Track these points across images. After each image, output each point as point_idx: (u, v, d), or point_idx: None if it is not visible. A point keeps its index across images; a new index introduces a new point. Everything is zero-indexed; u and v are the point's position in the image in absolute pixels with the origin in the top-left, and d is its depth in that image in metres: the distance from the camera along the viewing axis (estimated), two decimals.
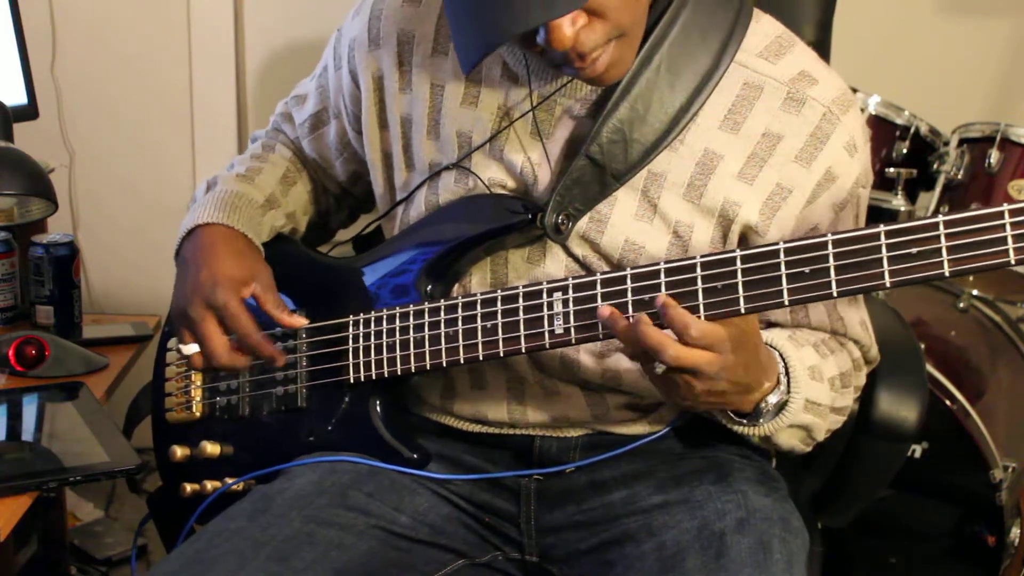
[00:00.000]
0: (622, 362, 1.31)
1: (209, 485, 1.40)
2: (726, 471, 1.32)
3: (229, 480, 1.39)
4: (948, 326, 2.24)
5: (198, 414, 1.43)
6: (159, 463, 1.46)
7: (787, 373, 1.22)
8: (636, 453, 1.34)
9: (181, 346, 1.33)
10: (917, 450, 1.96)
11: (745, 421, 1.23)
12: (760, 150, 1.26)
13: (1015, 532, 1.97)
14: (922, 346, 1.68)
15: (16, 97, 1.90)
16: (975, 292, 2.27)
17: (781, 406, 1.22)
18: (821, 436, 1.29)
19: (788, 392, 1.22)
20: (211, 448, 1.41)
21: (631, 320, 1.13)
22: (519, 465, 1.36)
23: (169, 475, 1.46)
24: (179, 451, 1.42)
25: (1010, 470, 1.97)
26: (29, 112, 1.94)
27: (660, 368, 1.13)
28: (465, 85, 1.32)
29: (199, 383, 1.44)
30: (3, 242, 1.86)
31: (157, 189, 2.72)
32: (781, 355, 1.23)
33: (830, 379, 1.28)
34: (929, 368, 1.90)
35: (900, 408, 1.49)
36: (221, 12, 2.69)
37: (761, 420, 1.22)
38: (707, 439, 1.36)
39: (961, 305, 2.23)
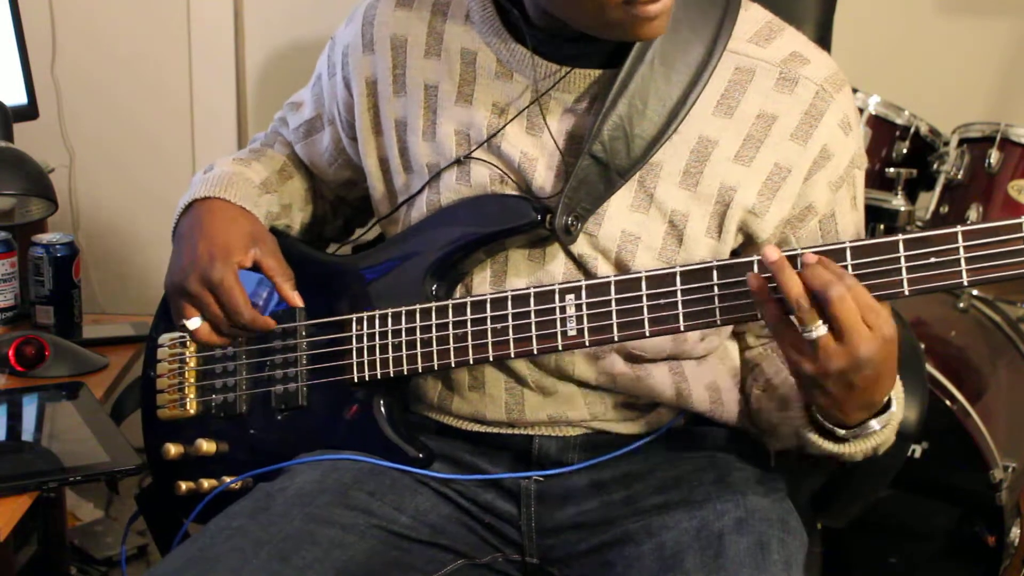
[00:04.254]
0: (617, 364, 1.31)
1: (206, 483, 1.40)
2: (725, 471, 1.32)
3: (227, 479, 1.39)
4: (948, 326, 2.24)
5: (192, 411, 1.43)
6: (150, 461, 1.46)
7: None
8: (635, 453, 1.34)
9: (184, 321, 1.32)
10: (917, 450, 1.96)
11: (841, 433, 1.19)
12: (756, 132, 1.26)
13: (1015, 532, 1.97)
14: (922, 346, 1.68)
15: (16, 97, 1.91)
16: (975, 292, 2.27)
17: (884, 423, 1.19)
18: (882, 451, 1.24)
19: (889, 415, 1.19)
20: (207, 446, 1.40)
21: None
22: (518, 464, 1.36)
23: (161, 473, 1.45)
24: (172, 449, 1.42)
25: (1010, 470, 1.97)
26: (29, 112, 1.94)
27: (818, 332, 1.08)
28: (459, 84, 1.33)
29: (193, 380, 1.44)
30: (3, 242, 1.86)
31: (157, 189, 2.71)
32: None
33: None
34: (929, 368, 1.90)
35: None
36: (221, 12, 2.69)
37: (860, 437, 1.19)
38: (707, 439, 1.36)
39: (961, 305, 2.23)
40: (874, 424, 1.18)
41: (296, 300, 1.35)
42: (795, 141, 1.26)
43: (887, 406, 1.18)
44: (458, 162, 1.32)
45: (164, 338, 1.47)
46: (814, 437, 1.21)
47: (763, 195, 1.26)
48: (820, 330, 1.09)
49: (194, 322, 1.32)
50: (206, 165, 1.47)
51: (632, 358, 1.31)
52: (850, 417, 1.16)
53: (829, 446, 1.21)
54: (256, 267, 1.34)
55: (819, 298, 1.08)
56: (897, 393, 1.19)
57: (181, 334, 1.45)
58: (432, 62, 1.34)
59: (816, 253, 1.11)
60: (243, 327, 1.32)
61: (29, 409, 1.58)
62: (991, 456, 1.94)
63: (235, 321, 1.31)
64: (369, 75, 1.38)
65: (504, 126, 1.30)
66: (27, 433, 1.54)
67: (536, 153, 1.30)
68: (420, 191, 1.35)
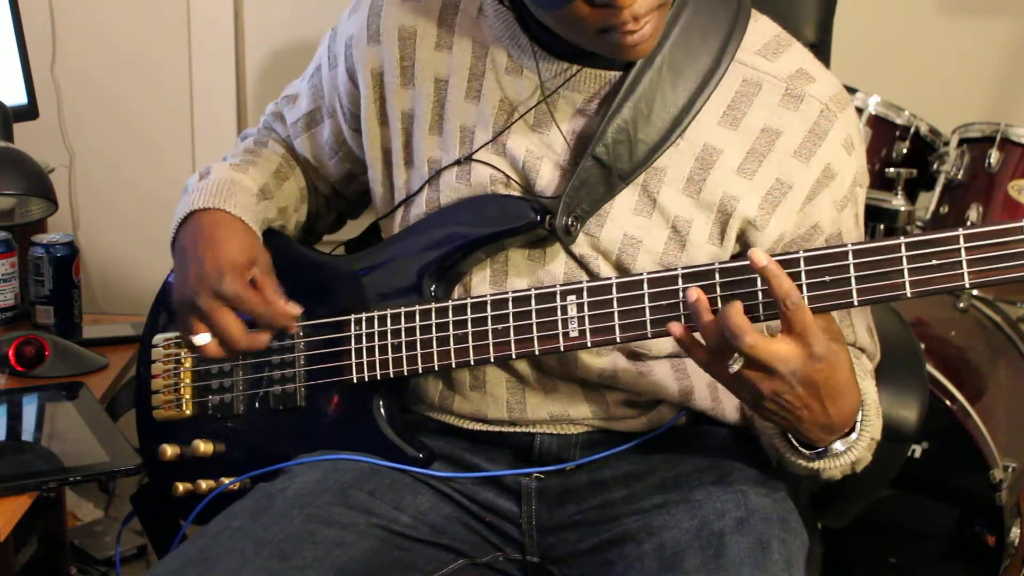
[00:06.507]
0: (619, 361, 1.31)
1: (204, 484, 1.39)
2: (726, 471, 1.32)
3: (226, 480, 1.39)
4: (948, 326, 2.24)
5: (188, 412, 1.43)
6: (146, 461, 1.44)
7: (861, 410, 1.21)
8: (636, 452, 1.35)
9: (192, 337, 1.30)
10: (917, 450, 1.96)
11: (807, 452, 1.22)
12: (759, 145, 1.26)
13: (1015, 532, 1.97)
14: (922, 346, 1.68)
15: (16, 97, 1.90)
16: (975, 292, 2.27)
17: (849, 445, 1.21)
18: (860, 468, 1.27)
19: (860, 430, 1.21)
20: (204, 447, 1.40)
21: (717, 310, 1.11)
22: (520, 463, 1.36)
23: (157, 474, 1.45)
24: (169, 450, 1.41)
25: (1010, 470, 1.97)
26: (29, 112, 1.94)
27: (736, 366, 1.11)
28: (468, 79, 1.33)
29: (188, 380, 1.43)
30: (3, 242, 1.86)
31: (157, 189, 2.71)
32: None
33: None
34: (929, 368, 1.90)
35: (900, 408, 1.49)
36: (221, 12, 2.69)
37: (825, 457, 1.22)
38: (707, 439, 1.36)
39: (961, 305, 2.23)
40: (838, 446, 1.20)
41: (293, 310, 1.31)
42: (798, 158, 1.26)
43: (852, 430, 1.20)
44: (458, 162, 1.32)
45: (158, 338, 1.46)
46: (786, 453, 1.24)
47: (763, 209, 1.27)
48: (735, 365, 1.11)
49: (203, 338, 1.30)
50: (201, 168, 1.45)
51: (634, 355, 1.31)
52: (816, 439, 1.19)
53: (802, 463, 1.23)
54: (252, 283, 1.33)
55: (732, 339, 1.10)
56: (867, 416, 1.21)
57: (176, 334, 1.44)
58: (443, 55, 1.34)
59: (818, 256, 1.12)
60: (269, 323, 1.28)
61: (29, 409, 1.58)
62: (991, 456, 1.94)
63: (262, 320, 1.28)
64: (375, 66, 1.38)
65: (510, 125, 1.30)
66: (27, 433, 1.54)
67: (541, 151, 1.30)
68: (420, 189, 1.35)
